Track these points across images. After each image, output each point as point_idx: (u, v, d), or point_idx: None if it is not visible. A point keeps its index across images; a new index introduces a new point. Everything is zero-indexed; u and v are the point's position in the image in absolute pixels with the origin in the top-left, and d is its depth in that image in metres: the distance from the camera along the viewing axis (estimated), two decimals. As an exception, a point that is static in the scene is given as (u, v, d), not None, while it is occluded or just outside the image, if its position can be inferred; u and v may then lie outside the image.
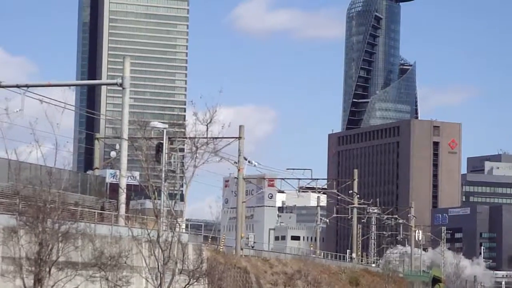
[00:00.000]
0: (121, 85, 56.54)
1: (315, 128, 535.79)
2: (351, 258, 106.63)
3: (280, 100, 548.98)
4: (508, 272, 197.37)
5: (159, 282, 28.63)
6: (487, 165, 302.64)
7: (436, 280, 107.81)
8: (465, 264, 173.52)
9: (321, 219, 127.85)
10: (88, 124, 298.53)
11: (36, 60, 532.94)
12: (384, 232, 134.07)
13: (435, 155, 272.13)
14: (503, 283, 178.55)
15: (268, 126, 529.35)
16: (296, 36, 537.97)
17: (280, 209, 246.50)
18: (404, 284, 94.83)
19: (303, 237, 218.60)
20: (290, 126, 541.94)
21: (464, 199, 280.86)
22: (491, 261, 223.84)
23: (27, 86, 52.38)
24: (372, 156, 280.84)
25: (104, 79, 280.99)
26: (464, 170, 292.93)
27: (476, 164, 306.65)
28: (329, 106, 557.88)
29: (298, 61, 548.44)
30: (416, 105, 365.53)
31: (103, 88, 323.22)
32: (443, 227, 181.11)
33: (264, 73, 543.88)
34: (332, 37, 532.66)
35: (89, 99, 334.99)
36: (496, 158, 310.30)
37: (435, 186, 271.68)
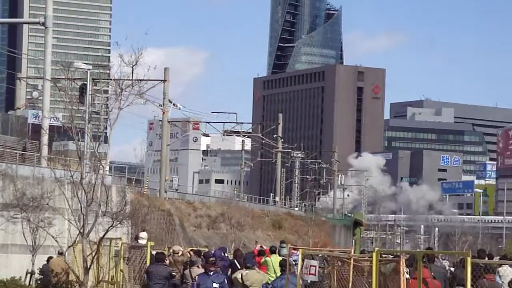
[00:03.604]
0: (43, 24, 55.45)
1: (241, 72, 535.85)
2: (274, 201, 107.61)
3: (209, 43, 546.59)
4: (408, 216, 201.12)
5: (82, 223, 28.38)
6: (410, 110, 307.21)
7: (357, 224, 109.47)
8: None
9: (245, 162, 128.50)
10: (9, 63, 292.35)
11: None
12: (307, 176, 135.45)
13: (359, 100, 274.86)
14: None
15: (197, 68, 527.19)
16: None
17: (205, 153, 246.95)
18: (326, 227, 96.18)
19: (227, 181, 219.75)
20: (217, 69, 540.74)
21: (386, 144, 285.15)
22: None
23: None
24: (297, 100, 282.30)
25: (26, 18, 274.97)
26: (387, 116, 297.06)
27: (399, 110, 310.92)
28: (255, 50, 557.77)
29: (227, 4, 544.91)
30: (342, 51, 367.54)
31: (25, 27, 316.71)
32: (365, 172, 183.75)
33: (194, 13, 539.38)
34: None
35: (10, 38, 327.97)
36: (419, 104, 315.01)
37: (358, 131, 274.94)
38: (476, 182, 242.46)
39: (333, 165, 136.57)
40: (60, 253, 32.04)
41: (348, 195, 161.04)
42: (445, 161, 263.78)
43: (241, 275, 23.90)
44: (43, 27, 55.83)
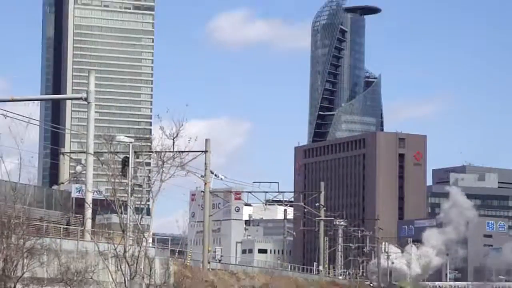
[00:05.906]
0: (86, 99, 56.32)
1: (283, 141, 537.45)
2: (318, 270, 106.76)
3: (250, 113, 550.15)
4: (474, 283, 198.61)
5: (126, 297, 28.42)
6: (452, 176, 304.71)
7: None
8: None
9: (288, 231, 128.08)
10: (53, 139, 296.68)
11: (3, 75, 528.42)
12: (350, 244, 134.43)
13: (401, 167, 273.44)
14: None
15: (239, 139, 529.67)
16: (267, 48, 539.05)
17: (247, 222, 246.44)
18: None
19: (270, 250, 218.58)
20: (259, 139, 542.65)
21: (430, 211, 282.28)
22: (457, 272, 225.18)
23: (-9, 101, 52.02)
24: (338, 168, 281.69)
25: (69, 94, 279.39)
26: (429, 182, 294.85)
27: (441, 176, 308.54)
28: (296, 119, 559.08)
29: (269, 74, 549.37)
30: (382, 118, 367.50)
31: (68, 102, 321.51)
32: (409, 239, 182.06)
33: (235, 85, 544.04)
34: (301, 49, 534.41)
35: (54, 113, 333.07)
36: (461, 169, 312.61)
37: (401, 198, 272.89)
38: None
39: (376, 232, 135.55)
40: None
41: (392, 263, 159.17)
42: (490, 226, 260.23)
43: None
44: (85, 102, 56.67)
